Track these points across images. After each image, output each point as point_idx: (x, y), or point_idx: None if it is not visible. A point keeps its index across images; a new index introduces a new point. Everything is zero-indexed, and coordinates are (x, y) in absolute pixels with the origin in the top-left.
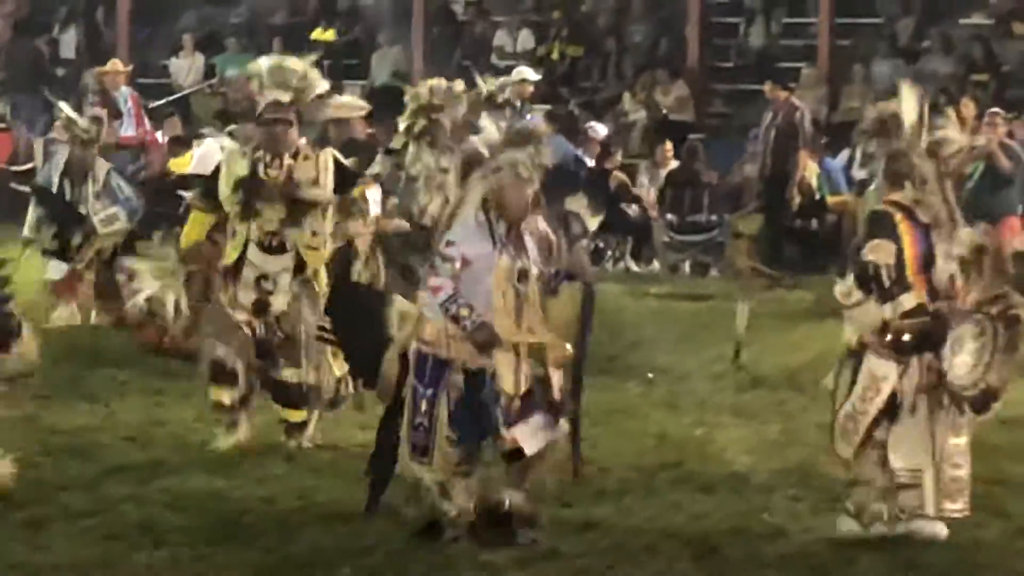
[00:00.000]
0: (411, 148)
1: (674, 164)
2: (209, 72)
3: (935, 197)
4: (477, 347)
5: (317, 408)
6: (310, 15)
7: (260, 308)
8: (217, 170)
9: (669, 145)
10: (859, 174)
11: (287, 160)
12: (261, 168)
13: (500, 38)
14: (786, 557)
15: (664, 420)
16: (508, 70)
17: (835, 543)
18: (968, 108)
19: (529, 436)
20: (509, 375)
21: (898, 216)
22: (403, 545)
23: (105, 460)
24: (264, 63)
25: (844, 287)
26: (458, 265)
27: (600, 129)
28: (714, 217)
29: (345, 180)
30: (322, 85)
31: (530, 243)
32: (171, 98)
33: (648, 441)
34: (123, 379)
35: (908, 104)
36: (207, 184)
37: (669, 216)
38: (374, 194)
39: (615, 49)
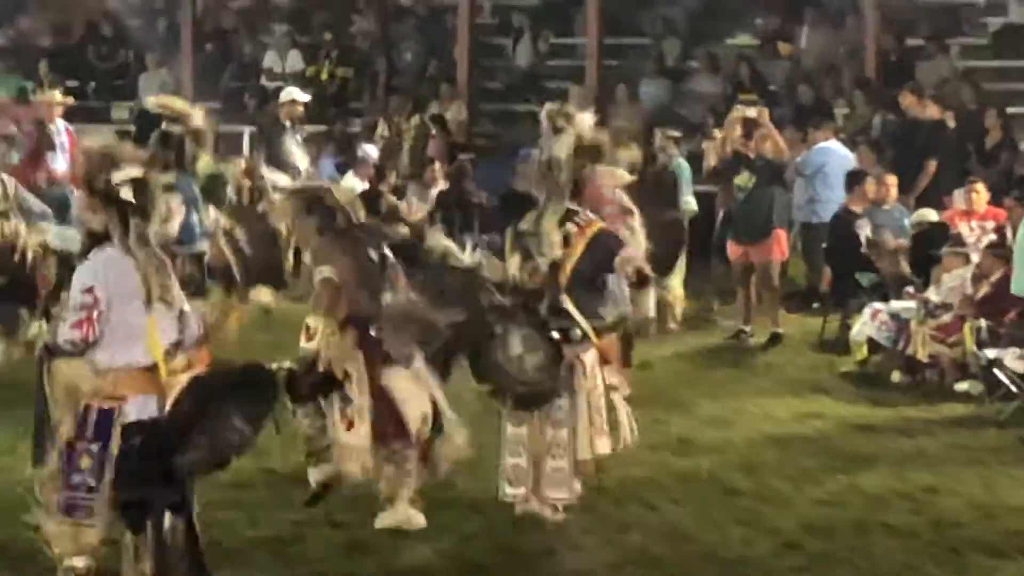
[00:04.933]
0: None
1: (443, 184)
2: None
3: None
4: None
5: None
6: (76, 37)
7: None
8: None
9: (438, 165)
10: None
11: None
12: None
13: (269, 59)
14: None
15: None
16: (277, 91)
17: (607, 563)
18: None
19: None
20: None
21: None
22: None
23: None
24: None
25: None
26: None
27: (371, 151)
28: (485, 237)
29: None
30: None
31: None
32: None
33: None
34: None
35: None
36: None
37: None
38: None
39: (385, 70)
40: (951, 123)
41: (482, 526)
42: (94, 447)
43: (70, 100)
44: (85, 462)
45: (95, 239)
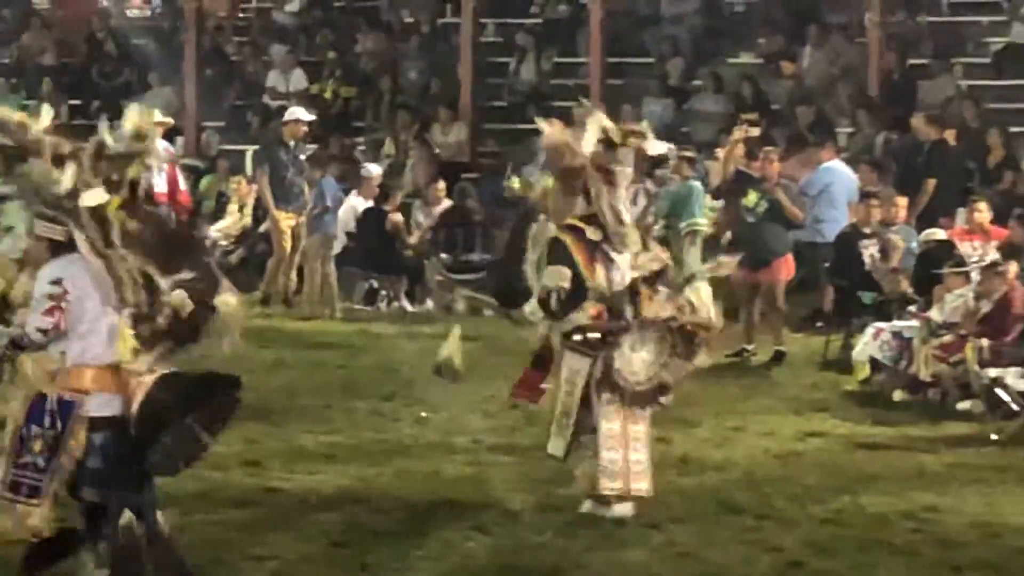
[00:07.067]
0: None
1: (447, 203)
2: None
3: (608, 213)
4: None
5: None
6: (80, 56)
7: None
8: None
9: (441, 184)
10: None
11: None
12: None
13: (273, 78)
14: None
15: (437, 459)
16: (281, 110)
17: None
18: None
19: None
20: None
21: (568, 239)
22: None
23: None
24: None
25: (530, 307)
26: None
27: (374, 169)
28: (487, 256)
29: None
30: None
31: None
32: None
33: (422, 480)
34: None
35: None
36: None
37: (442, 255)
38: None
39: (389, 88)
40: (952, 142)
41: (485, 545)
42: (49, 434)
43: (168, 121)
44: (38, 446)
45: (57, 249)
